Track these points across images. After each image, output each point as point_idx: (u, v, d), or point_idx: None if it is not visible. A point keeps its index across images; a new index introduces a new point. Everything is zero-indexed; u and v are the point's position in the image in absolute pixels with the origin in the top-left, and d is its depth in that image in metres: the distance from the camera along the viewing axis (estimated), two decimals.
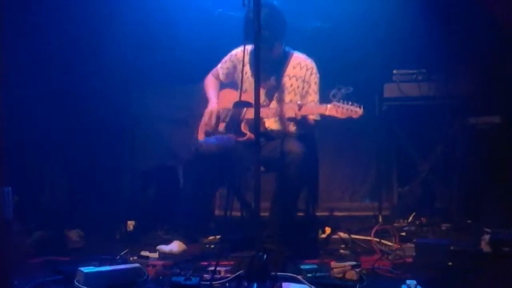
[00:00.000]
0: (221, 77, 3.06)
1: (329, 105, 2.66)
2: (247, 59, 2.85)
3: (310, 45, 3.55)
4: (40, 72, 3.37)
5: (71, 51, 3.48)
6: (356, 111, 2.63)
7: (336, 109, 2.65)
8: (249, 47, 2.81)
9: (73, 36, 3.46)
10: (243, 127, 2.85)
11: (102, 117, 3.63)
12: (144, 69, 3.71)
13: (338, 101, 2.65)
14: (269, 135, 2.87)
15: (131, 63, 3.66)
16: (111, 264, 2.40)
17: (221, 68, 3.05)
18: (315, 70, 2.95)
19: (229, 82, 3.06)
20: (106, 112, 3.64)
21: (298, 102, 2.80)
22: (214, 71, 3.09)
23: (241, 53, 2.95)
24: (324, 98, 2.81)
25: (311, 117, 2.87)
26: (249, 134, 2.81)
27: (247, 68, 2.89)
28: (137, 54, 3.70)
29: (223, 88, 3.08)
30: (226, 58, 3.05)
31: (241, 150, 2.81)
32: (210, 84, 3.08)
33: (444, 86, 3.63)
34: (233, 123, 2.89)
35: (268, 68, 2.84)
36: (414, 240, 2.72)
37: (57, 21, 3.38)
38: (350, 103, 2.64)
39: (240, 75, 2.84)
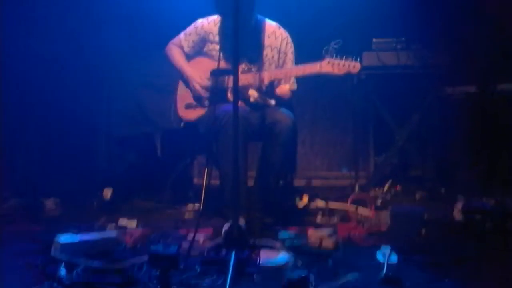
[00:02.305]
0: (186, 49, 2.96)
1: (322, 62, 2.59)
2: (216, 30, 2.81)
3: (289, 10, 3.50)
4: (16, 37, 3.23)
5: (47, 17, 3.35)
6: (354, 65, 2.57)
7: (332, 65, 2.58)
8: (217, 18, 2.77)
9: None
10: (229, 96, 2.79)
11: (77, 82, 3.51)
12: (120, 34, 3.59)
13: (332, 57, 2.58)
14: (254, 103, 2.82)
15: (106, 28, 3.54)
16: (88, 233, 2.38)
17: (186, 40, 2.95)
18: (290, 39, 2.90)
19: (194, 54, 2.98)
20: (81, 78, 3.53)
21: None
22: (176, 41, 2.98)
23: (207, 25, 2.89)
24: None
25: (287, 87, 2.84)
26: (241, 103, 2.77)
27: (217, 39, 2.84)
28: (113, 18, 3.57)
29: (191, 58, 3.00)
30: (191, 30, 2.95)
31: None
32: (176, 53, 2.96)
33: (422, 56, 3.63)
34: (218, 92, 2.84)
35: (244, 37, 2.78)
36: (390, 208, 2.77)
37: None
38: (344, 57, 2.57)
39: (211, 45, 2.83)
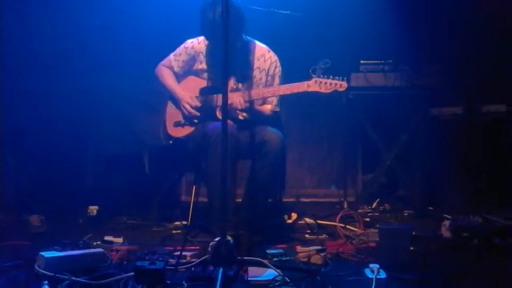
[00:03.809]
0: (176, 69, 2.99)
1: (310, 81, 2.63)
2: (205, 49, 2.87)
3: (280, 32, 3.56)
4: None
5: (38, 34, 3.35)
6: (341, 84, 2.61)
7: (319, 85, 2.61)
8: (204, 40, 2.85)
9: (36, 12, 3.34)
10: (218, 114, 2.82)
11: (65, 100, 3.52)
12: (110, 51, 3.61)
13: (319, 77, 2.62)
14: (243, 121, 2.84)
15: (96, 42, 3.56)
16: (73, 249, 2.35)
17: (175, 60, 2.99)
18: (278, 63, 2.95)
19: (183, 73, 3.01)
20: (69, 95, 3.54)
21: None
22: (166, 62, 3.02)
23: (197, 44, 2.95)
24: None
25: (269, 108, 2.89)
26: (229, 121, 2.78)
27: (206, 58, 2.88)
28: (102, 38, 3.60)
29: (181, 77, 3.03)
30: (180, 50, 2.99)
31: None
32: (166, 74, 2.99)
33: (409, 77, 3.70)
34: (207, 110, 2.85)
35: (232, 57, 2.82)
36: (378, 226, 2.78)
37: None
38: (331, 77, 2.62)
39: (200, 65, 2.88)
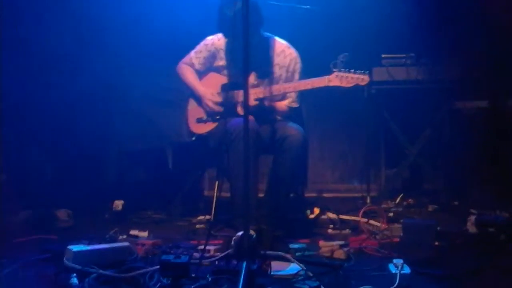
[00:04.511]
0: (197, 66, 3.02)
1: (331, 76, 2.62)
2: (224, 47, 2.87)
3: (300, 27, 3.55)
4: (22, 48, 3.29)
5: (55, 29, 3.41)
6: (362, 78, 2.58)
7: (340, 79, 2.59)
8: (223, 37, 2.87)
9: (57, 11, 3.38)
10: (239, 110, 2.83)
11: (89, 96, 3.57)
12: (132, 48, 3.66)
13: (340, 71, 2.60)
14: (263, 117, 2.84)
15: (118, 41, 3.61)
16: (100, 243, 2.39)
17: (196, 58, 3.01)
18: (299, 59, 2.94)
19: (204, 70, 3.03)
20: (93, 92, 3.59)
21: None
22: (187, 60, 3.05)
23: (217, 41, 2.96)
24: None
25: (286, 103, 2.88)
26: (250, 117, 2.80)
27: (226, 56, 2.89)
28: (122, 34, 3.64)
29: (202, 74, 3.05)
30: (201, 48, 3.01)
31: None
32: (188, 72, 3.02)
33: (432, 71, 3.64)
34: (228, 106, 2.87)
35: (252, 53, 2.82)
36: (401, 221, 2.75)
37: None
38: (353, 70, 2.59)
39: (221, 62, 2.89)
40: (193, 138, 2.99)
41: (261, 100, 2.82)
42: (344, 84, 2.60)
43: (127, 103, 3.77)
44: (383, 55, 3.72)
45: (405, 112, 3.79)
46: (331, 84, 2.62)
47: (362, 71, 2.59)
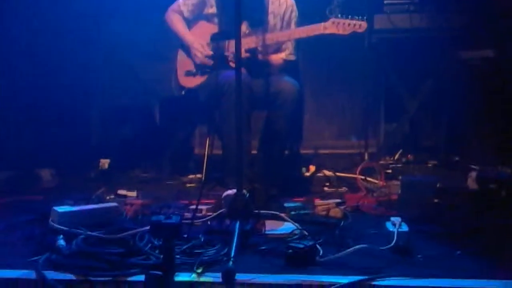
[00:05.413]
0: (186, 14, 2.89)
1: (326, 23, 2.49)
2: None
3: None
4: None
5: None
6: (360, 24, 2.47)
7: (337, 26, 2.47)
8: None
9: None
10: (231, 62, 2.71)
11: (71, 51, 3.42)
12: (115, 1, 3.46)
13: (336, 17, 2.46)
14: (257, 70, 2.72)
15: None
16: (86, 203, 2.32)
17: (185, 4, 2.88)
18: (295, 7, 2.81)
19: (193, 18, 2.89)
20: (75, 46, 3.43)
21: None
22: (175, 7, 2.91)
23: None
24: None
25: (282, 56, 2.76)
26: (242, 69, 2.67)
27: (217, 3, 2.76)
28: None
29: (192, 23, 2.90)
30: None
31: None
32: (176, 20, 2.89)
33: (436, 18, 3.48)
34: (219, 57, 2.74)
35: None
36: (400, 177, 2.69)
37: None
38: (350, 16, 2.47)
39: (211, 9, 2.77)
40: (183, 92, 2.86)
41: (252, 51, 2.67)
42: (341, 31, 2.48)
43: (111, 55, 3.60)
44: (385, 1, 3.54)
45: (407, 63, 3.66)
46: (327, 31, 2.50)
47: (360, 17, 2.45)
